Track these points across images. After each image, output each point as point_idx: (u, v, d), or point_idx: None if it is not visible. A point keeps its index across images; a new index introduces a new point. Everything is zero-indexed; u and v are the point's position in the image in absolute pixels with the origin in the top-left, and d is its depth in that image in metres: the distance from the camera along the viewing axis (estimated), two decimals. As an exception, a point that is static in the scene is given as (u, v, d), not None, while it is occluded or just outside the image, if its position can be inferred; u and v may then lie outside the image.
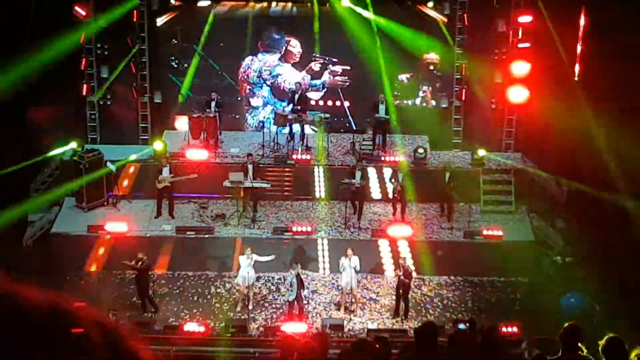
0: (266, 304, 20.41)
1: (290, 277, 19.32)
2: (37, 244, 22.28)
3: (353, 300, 20.07)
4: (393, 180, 22.45)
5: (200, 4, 25.25)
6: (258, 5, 24.89)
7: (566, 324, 7.44)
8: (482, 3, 23.87)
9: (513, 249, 21.68)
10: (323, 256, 21.77)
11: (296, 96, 24.21)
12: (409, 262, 20.37)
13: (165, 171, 22.31)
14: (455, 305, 20.53)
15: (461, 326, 17.12)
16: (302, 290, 19.27)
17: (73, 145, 23.30)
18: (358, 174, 22.34)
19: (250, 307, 20.02)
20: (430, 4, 24.70)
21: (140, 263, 19.49)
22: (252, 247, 20.31)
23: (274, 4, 25.23)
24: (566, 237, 22.65)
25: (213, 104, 24.07)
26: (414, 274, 20.51)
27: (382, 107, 23.93)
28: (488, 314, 19.71)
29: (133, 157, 23.80)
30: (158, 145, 23.51)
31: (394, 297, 20.18)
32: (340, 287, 20.31)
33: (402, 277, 19.49)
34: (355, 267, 19.64)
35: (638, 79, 20.70)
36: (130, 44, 24.49)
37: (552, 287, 21.12)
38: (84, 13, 23.77)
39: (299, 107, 23.94)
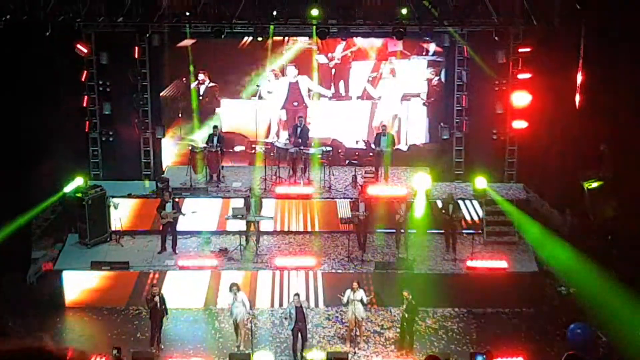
0: (270, 338, 20.32)
1: (290, 307, 19.23)
2: (41, 280, 22.24)
3: (358, 333, 19.97)
4: (396, 212, 22.49)
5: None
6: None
7: (566, 354, 7.44)
8: (481, 35, 23.95)
9: (517, 279, 21.65)
10: (324, 289, 21.67)
11: (298, 130, 24.35)
12: (412, 295, 20.28)
13: (169, 207, 22.30)
14: (460, 337, 20.42)
15: (479, 358, 17.20)
16: (301, 323, 19.10)
17: (79, 181, 23.28)
18: (362, 206, 22.35)
19: (241, 346, 19.62)
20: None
21: (155, 297, 19.45)
22: (238, 284, 20.04)
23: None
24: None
25: (215, 138, 24.22)
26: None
27: (384, 139, 24.02)
28: (493, 345, 19.58)
29: (136, 192, 23.87)
30: (162, 181, 23.61)
31: (398, 329, 20.11)
32: (345, 321, 20.24)
33: (404, 308, 19.50)
34: (361, 299, 19.58)
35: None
36: (132, 80, 24.64)
37: (557, 317, 21.04)
38: (85, 51, 24.00)
39: (299, 140, 24.03)
